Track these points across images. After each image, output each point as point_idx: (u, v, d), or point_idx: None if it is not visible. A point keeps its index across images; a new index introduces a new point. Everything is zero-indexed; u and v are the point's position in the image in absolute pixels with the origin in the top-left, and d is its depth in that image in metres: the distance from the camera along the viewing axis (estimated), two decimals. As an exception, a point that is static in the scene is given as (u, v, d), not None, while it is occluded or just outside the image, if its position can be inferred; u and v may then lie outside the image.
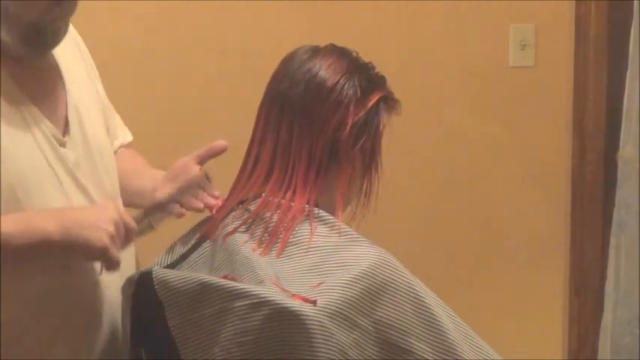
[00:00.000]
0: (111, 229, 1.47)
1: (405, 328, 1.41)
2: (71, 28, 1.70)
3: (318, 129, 1.55)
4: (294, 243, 1.49)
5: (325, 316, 1.34)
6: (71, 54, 1.73)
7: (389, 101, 1.61)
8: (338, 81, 1.56)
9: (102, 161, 1.68)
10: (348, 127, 1.55)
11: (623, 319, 2.54)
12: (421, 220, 2.86)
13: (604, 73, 2.92)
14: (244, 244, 1.49)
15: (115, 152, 1.82)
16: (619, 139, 2.57)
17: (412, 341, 1.41)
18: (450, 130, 2.86)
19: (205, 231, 1.58)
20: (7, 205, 1.50)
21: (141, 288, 1.48)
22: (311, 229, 1.49)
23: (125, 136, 1.90)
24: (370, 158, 1.59)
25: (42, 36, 1.57)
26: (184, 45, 2.59)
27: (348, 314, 1.36)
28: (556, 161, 2.96)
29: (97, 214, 1.49)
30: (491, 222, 2.93)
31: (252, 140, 1.61)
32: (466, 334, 1.48)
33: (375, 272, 1.41)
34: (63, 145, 1.60)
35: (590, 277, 2.95)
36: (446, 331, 1.43)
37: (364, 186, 1.61)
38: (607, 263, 2.59)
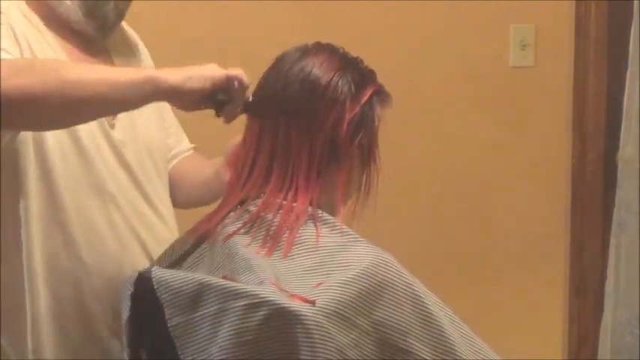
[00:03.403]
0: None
1: (404, 329, 1.40)
2: (128, 26, 1.83)
3: (316, 128, 1.54)
4: (295, 243, 1.49)
5: (323, 316, 1.34)
6: (126, 50, 1.81)
7: (381, 95, 1.61)
8: (332, 78, 1.56)
9: (150, 156, 1.76)
10: (346, 124, 1.55)
11: (623, 319, 2.54)
12: (421, 220, 2.86)
13: (604, 73, 2.92)
14: (245, 247, 1.49)
15: (185, 156, 1.91)
16: (619, 139, 2.57)
17: (411, 341, 1.41)
18: (450, 130, 2.86)
19: (204, 232, 1.58)
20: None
21: (140, 288, 1.49)
22: (317, 231, 1.49)
23: (187, 140, 1.95)
24: (368, 153, 1.59)
25: (102, 10, 1.67)
26: (183, 45, 2.59)
27: (346, 314, 1.36)
28: (556, 161, 2.96)
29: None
30: (491, 222, 2.93)
31: (246, 143, 1.60)
32: (465, 334, 1.47)
33: (373, 272, 1.41)
34: (112, 126, 1.68)
35: (590, 277, 2.95)
36: (445, 331, 1.43)
37: (363, 181, 1.61)
38: (607, 263, 2.59)
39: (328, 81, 1.55)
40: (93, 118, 1.57)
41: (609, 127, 2.88)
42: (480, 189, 2.91)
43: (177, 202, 1.85)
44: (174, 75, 1.51)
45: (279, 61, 1.60)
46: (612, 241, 2.56)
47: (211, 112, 1.62)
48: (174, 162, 1.89)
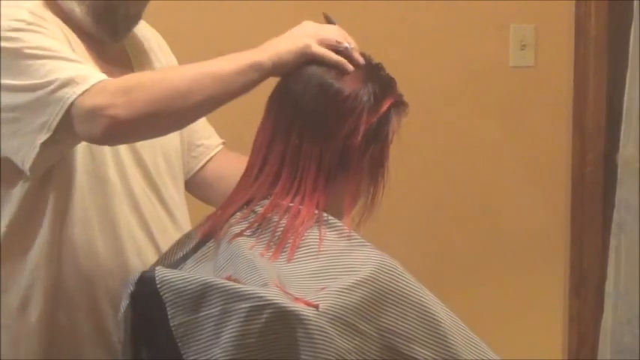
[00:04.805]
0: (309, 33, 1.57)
1: (408, 334, 1.39)
2: (148, 27, 1.81)
3: (329, 135, 1.52)
4: (301, 246, 1.47)
5: (326, 320, 1.33)
6: (146, 48, 1.79)
7: (398, 107, 1.59)
8: (353, 88, 1.53)
9: (165, 159, 1.74)
10: (360, 135, 1.52)
11: (623, 319, 2.55)
12: (421, 219, 2.86)
13: (604, 73, 2.92)
14: (250, 249, 1.47)
15: (217, 152, 1.89)
16: (619, 139, 2.57)
17: (415, 347, 1.39)
18: (450, 130, 2.86)
19: (209, 230, 1.56)
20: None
21: (142, 287, 1.48)
22: (320, 235, 1.48)
23: (217, 135, 1.93)
24: (378, 165, 1.57)
25: (113, 15, 1.65)
26: (184, 45, 2.59)
27: (349, 320, 1.35)
28: (556, 161, 2.96)
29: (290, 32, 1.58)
30: (490, 222, 2.93)
31: (259, 140, 1.58)
32: (470, 339, 1.46)
33: (377, 277, 1.39)
34: None
35: (590, 277, 2.95)
36: (449, 337, 1.42)
37: (370, 192, 1.58)
38: (607, 263, 2.59)
39: (349, 90, 1.53)
40: (208, 113, 1.58)
41: (609, 127, 2.88)
42: (480, 189, 2.91)
43: (213, 202, 1.82)
44: (268, 53, 1.53)
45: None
46: (612, 241, 2.57)
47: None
48: (204, 159, 1.87)
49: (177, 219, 1.76)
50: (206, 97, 1.50)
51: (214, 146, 1.89)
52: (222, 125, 1.89)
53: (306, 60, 1.54)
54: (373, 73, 1.57)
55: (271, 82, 1.58)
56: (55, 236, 1.62)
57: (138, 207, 1.69)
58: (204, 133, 1.88)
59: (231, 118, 1.73)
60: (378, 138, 1.55)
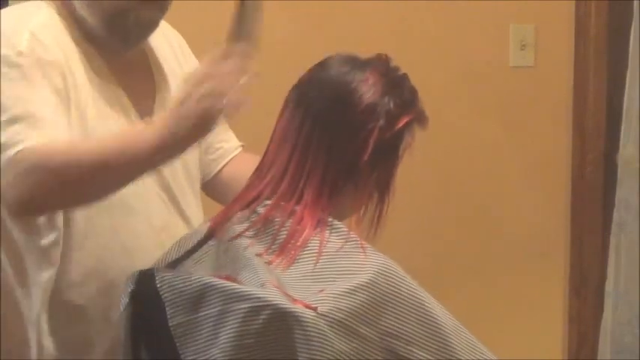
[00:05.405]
0: (205, 95, 1.44)
1: (408, 338, 1.38)
2: (170, 27, 1.79)
3: (338, 148, 1.48)
4: (302, 248, 1.46)
5: (324, 322, 1.32)
6: (167, 52, 1.77)
7: (414, 124, 1.55)
8: (370, 102, 1.48)
9: (184, 169, 1.73)
10: (369, 152, 1.48)
11: (623, 319, 2.55)
12: (420, 220, 2.86)
13: (604, 73, 2.92)
14: (250, 249, 1.46)
15: (235, 155, 1.87)
16: (619, 139, 2.58)
17: (414, 350, 1.38)
18: (450, 130, 2.86)
19: (213, 228, 1.54)
20: None
21: (142, 287, 1.48)
22: (321, 239, 1.45)
23: (235, 139, 1.91)
24: (385, 183, 1.55)
25: (123, 22, 1.62)
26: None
27: (347, 323, 1.35)
28: (556, 161, 2.96)
29: (182, 101, 1.45)
30: (490, 222, 2.93)
31: (273, 135, 1.54)
32: (469, 341, 1.45)
33: (378, 281, 1.38)
34: None
35: (590, 277, 2.95)
36: (451, 340, 1.41)
37: (375, 210, 1.56)
38: (607, 263, 2.59)
39: (366, 105, 1.48)
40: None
41: (609, 127, 2.88)
42: (480, 189, 2.91)
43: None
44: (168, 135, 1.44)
45: (324, 66, 1.53)
46: (612, 241, 2.57)
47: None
48: (223, 162, 1.85)
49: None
50: (105, 189, 1.50)
51: (233, 149, 1.87)
52: (242, 127, 1.88)
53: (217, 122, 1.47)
54: (396, 85, 1.53)
55: (292, 79, 1.55)
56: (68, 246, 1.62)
57: (153, 219, 1.67)
58: (223, 137, 1.85)
59: (251, 120, 1.72)
60: (387, 157, 1.52)
